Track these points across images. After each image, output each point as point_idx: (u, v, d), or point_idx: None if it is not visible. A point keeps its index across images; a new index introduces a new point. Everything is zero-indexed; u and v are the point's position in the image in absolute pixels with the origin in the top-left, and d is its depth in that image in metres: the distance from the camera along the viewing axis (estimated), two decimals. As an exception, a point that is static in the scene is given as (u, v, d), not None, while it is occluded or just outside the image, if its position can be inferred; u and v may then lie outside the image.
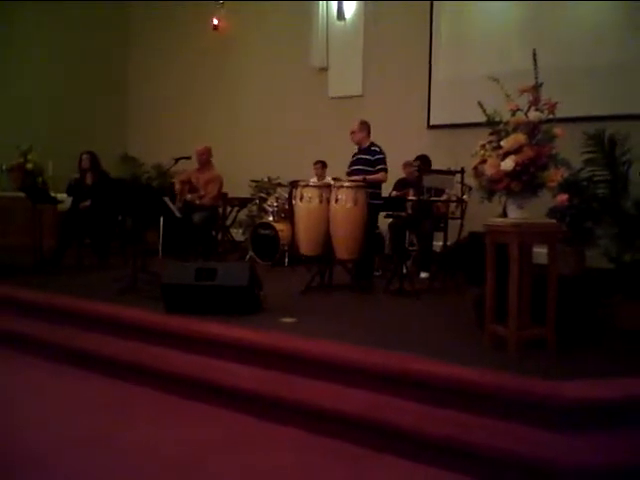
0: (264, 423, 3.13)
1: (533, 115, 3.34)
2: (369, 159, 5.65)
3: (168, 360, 3.72)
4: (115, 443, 2.91)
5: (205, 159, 6.77)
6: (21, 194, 6.82)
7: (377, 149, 5.70)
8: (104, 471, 2.63)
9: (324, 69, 8.77)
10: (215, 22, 9.44)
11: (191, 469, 2.67)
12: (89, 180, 6.75)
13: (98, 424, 3.13)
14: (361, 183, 5.33)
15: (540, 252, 3.59)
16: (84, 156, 6.79)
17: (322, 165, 7.45)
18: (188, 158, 6.32)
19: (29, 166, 7.94)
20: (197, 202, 6.48)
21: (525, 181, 3.24)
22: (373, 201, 5.40)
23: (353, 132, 5.77)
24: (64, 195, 6.89)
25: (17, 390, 3.67)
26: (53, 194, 6.61)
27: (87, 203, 6.59)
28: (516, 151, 3.23)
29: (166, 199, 5.34)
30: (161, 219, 6.39)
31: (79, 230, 6.58)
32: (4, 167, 8.23)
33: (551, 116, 3.36)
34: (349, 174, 5.74)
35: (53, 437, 2.98)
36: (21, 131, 8.44)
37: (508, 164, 3.22)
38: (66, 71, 9.92)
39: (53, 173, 7.91)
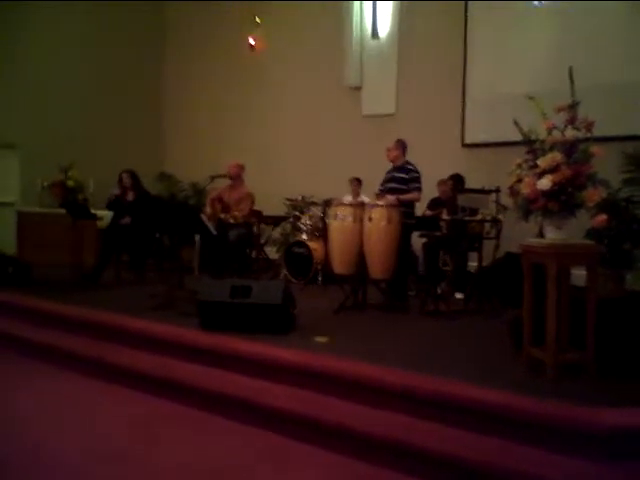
0: (295, 442, 3.12)
1: (570, 133, 3.30)
2: (404, 177, 5.65)
3: (201, 377, 3.76)
4: (147, 458, 2.94)
5: (236, 176, 6.77)
6: (62, 210, 6.99)
7: (412, 167, 5.70)
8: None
9: (358, 88, 8.82)
10: (252, 42, 9.59)
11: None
12: (130, 197, 6.89)
13: (130, 439, 3.17)
14: (395, 202, 5.32)
15: (578, 274, 3.52)
16: (124, 175, 6.94)
17: (358, 182, 7.47)
18: (224, 176, 6.42)
19: (70, 183, 8.13)
20: (231, 221, 6.54)
21: (563, 201, 3.19)
22: (407, 220, 5.38)
23: (389, 149, 5.78)
24: (104, 212, 7.05)
25: (53, 402, 3.74)
26: (93, 211, 6.76)
27: (127, 220, 6.73)
28: (553, 170, 3.19)
29: (202, 216, 5.43)
30: (197, 236, 6.47)
31: (118, 246, 6.72)
32: (45, 184, 8.47)
33: (588, 135, 3.31)
34: (382, 192, 5.74)
35: (85, 451, 3.02)
36: (62, 148, 8.67)
37: (545, 183, 3.17)
38: (104, 90, 10.20)
39: (93, 190, 8.10)
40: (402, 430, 2.93)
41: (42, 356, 4.59)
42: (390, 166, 5.87)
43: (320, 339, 4.11)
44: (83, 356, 4.37)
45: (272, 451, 3.06)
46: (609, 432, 2.59)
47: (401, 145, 5.79)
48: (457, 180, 6.40)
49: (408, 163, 5.75)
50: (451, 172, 6.56)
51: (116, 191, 6.97)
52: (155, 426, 3.39)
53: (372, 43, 8.56)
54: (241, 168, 6.79)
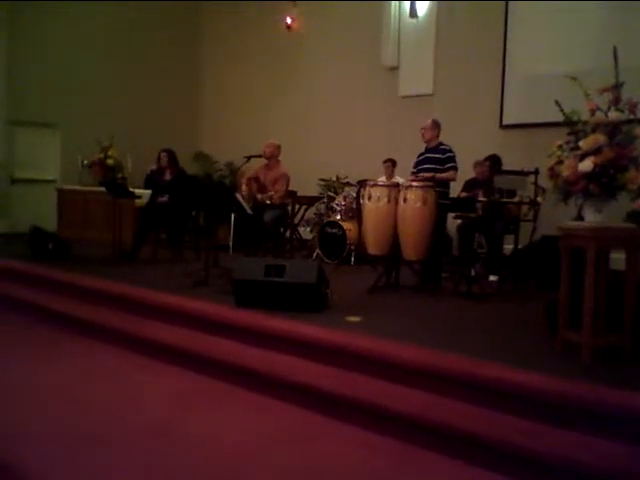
0: (327, 419, 3.16)
1: (613, 115, 3.22)
2: (439, 157, 5.60)
3: (236, 353, 3.82)
4: (180, 430, 3.01)
5: (273, 155, 6.75)
6: (101, 189, 7.14)
7: (447, 147, 5.66)
8: (169, 457, 2.73)
9: (395, 68, 8.73)
10: (288, 21, 9.53)
11: (255, 458, 2.74)
12: (167, 176, 7.00)
13: (167, 412, 3.26)
14: (430, 183, 5.29)
15: (616, 257, 3.46)
16: (162, 154, 7.05)
17: (392, 163, 7.43)
18: (259, 156, 6.45)
19: (110, 162, 8.33)
20: (267, 202, 6.56)
21: (604, 183, 3.13)
22: (442, 201, 5.34)
23: (425, 129, 5.72)
24: (142, 190, 7.17)
25: (92, 375, 3.86)
26: (131, 189, 6.90)
27: (165, 199, 6.85)
28: (595, 152, 3.13)
29: (238, 196, 5.48)
30: (232, 215, 6.54)
31: (156, 224, 6.84)
32: (85, 162, 8.66)
33: (632, 116, 3.23)
34: (417, 173, 5.70)
35: (120, 422, 3.12)
36: (101, 128, 8.83)
37: (586, 165, 3.12)
38: (143, 72, 10.35)
39: (131, 169, 8.25)
40: (433, 409, 2.94)
41: (81, 330, 4.72)
42: (423, 149, 5.83)
43: (352, 318, 4.14)
44: (121, 331, 4.49)
45: (303, 426, 3.11)
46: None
47: (436, 126, 5.74)
48: (494, 161, 6.31)
49: (442, 144, 5.70)
50: (488, 153, 6.48)
51: (153, 166, 7.07)
52: (191, 400, 3.48)
53: (410, 22, 8.44)
54: (277, 148, 6.77)
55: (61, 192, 9.00)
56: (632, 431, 2.54)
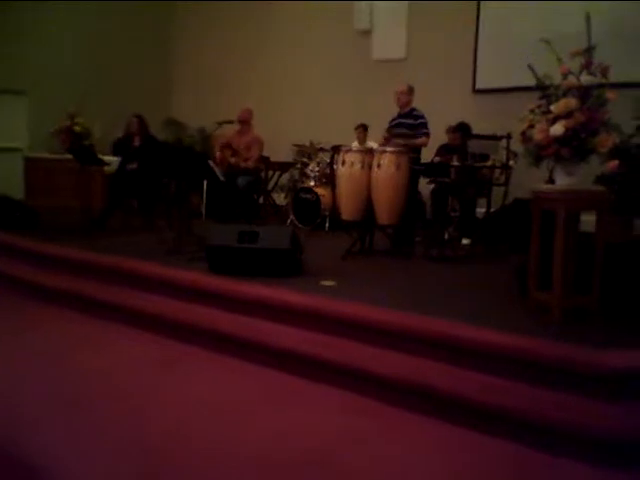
0: (307, 382, 3.20)
1: (585, 79, 3.23)
2: (412, 123, 5.60)
3: (212, 320, 3.83)
4: (162, 396, 3.03)
5: (246, 121, 6.74)
6: (69, 156, 6.98)
7: (419, 113, 5.67)
8: (154, 420, 2.75)
9: (368, 31, 8.63)
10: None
11: (238, 421, 2.77)
12: (137, 143, 6.86)
13: (143, 379, 3.26)
14: (403, 148, 5.29)
15: (586, 220, 3.52)
16: (133, 119, 6.90)
17: (364, 129, 7.39)
18: (231, 122, 6.36)
19: (77, 128, 8.07)
20: (242, 165, 6.51)
21: (575, 147, 3.16)
22: (415, 166, 5.36)
23: (402, 93, 5.70)
24: (111, 157, 7.03)
25: (64, 344, 3.83)
26: (100, 156, 6.75)
27: (134, 165, 6.72)
28: (567, 116, 3.15)
29: (210, 162, 5.41)
30: (204, 182, 6.47)
31: (126, 192, 6.73)
32: (52, 130, 8.42)
33: (603, 80, 3.25)
34: (389, 138, 5.70)
35: (104, 389, 3.11)
36: (69, 95, 8.58)
37: (558, 129, 3.14)
38: (112, 35, 10.04)
39: (100, 136, 8.05)
40: (409, 370, 2.99)
41: (50, 299, 4.67)
42: (395, 113, 5.81)
43: (327, 283, 4.16)
44: (93, 299, 4.45)
45: (284, 390, 3.14)
46: (612, 373, 2.64)
47: (411, 91, 5.76)
48: (464, 130, 6.33)
49: (415, 109, 5.70)
50: (461, 118, 6.48)
51: (120, 135, 6.94)
52: (169, 367, 3.48)
53: (382, -16, 8.32)
54: (250, 113, 6.74)
55: (28, 160, 8.79)
56: (602, 388, 2.62)
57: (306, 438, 2.63)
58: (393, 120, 5.80)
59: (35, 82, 9.17)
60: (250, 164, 6.52)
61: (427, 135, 5.62)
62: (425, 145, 5.71)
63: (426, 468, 2.41)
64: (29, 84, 9.15)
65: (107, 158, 6.86)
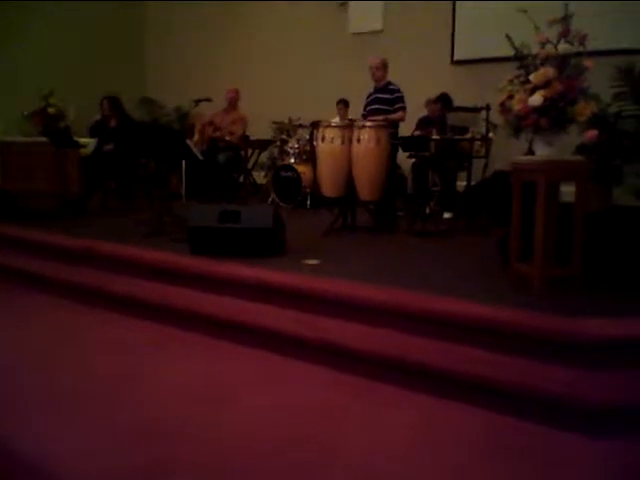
0: (291, 360, 3.20)
1: (563, 47, 3.22)
2: (388, 98, 5.56)
3: (195, 301, 3.80)
4: (145, 380, 3.01)
5: (234, 100, 6.85)
6: (44, 139, 6.85)
7: (395, 87, 5.61)
8: (135, 405, 2.73)
9: (344, 4, 8.51)
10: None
11: (224, 401, 2.76)
12: (112, 124, 6.75)
13: (127, 363, 3.24)
14: (383, 123, 5.25)
15: (566, 190, 3.53)
16: (104, 101, 6.78)
17: (344, 104, 7.33)
18: (208, 100, 6.26)
19: (51, 110, 7.90)
20: (226, 138, 6.49)
21: (554, 117, 3.15)
22: (394, 141, 5.33)
23: (377, 68, 5.64)
24: (86, 139, 6.91)
25: (45, 331, 3.79)
26: (75, 138, 6.62)
27: (110, 146, 6.62)
28: (545, 85, 3.14)
29: (188, 141, 5.33)
30: (183, 162, 6.39)
31: (103, 174, 6.63)
32: (26, 113, 8.24)
33: (581, 48, 3.23)
34: (367, 114, 5.66)
35: (82, 375, 3.09)
36: (40, 76, 8.40)
37: (536, 99, 3.13)
38: (83, 14, 9.81)
39: (74, 117, 7.90)
40: (393, 345, 3.00)
41: (31, 285, 4.61)
42: (372, 89, 5.76)
43: (310, 261, 4.14)
44: (74, 284, 4.40)
45: (269, 370, 3.14)
46: (593, 341, 2.67)
47: (385, 65, 5.68)
48: (444, 101, 6.30)
49: (390, 83, 5.65)
50: (440, 90, 6.45)
51: (97, 116, 6.84)
52: (152, 349, 3.46)
53: (358, -45, 8.19)
54: (238, 93, 6.86)
55: (2, 144, 8.59)
56: (583, 356, 2.65)
57: (291, 416, 2.64)
58: (370, 95, 5.75)
59: (6, 65, 8.94)
60: (234, 139, 6.52)
61: (404, 109, 5.59)
62: (402, 120, 5.67)
63: (410, 440, 2.43)
64: (0, 67, 8.92)
65: (83, 140, 6.75)
